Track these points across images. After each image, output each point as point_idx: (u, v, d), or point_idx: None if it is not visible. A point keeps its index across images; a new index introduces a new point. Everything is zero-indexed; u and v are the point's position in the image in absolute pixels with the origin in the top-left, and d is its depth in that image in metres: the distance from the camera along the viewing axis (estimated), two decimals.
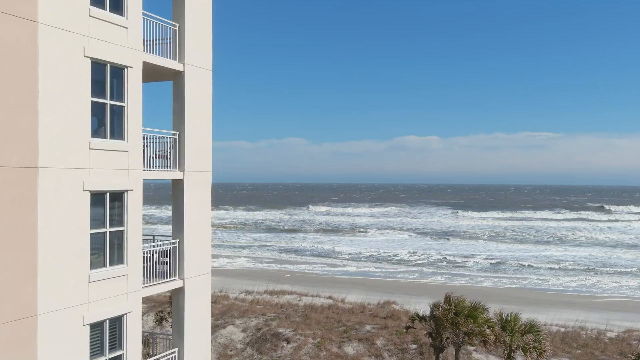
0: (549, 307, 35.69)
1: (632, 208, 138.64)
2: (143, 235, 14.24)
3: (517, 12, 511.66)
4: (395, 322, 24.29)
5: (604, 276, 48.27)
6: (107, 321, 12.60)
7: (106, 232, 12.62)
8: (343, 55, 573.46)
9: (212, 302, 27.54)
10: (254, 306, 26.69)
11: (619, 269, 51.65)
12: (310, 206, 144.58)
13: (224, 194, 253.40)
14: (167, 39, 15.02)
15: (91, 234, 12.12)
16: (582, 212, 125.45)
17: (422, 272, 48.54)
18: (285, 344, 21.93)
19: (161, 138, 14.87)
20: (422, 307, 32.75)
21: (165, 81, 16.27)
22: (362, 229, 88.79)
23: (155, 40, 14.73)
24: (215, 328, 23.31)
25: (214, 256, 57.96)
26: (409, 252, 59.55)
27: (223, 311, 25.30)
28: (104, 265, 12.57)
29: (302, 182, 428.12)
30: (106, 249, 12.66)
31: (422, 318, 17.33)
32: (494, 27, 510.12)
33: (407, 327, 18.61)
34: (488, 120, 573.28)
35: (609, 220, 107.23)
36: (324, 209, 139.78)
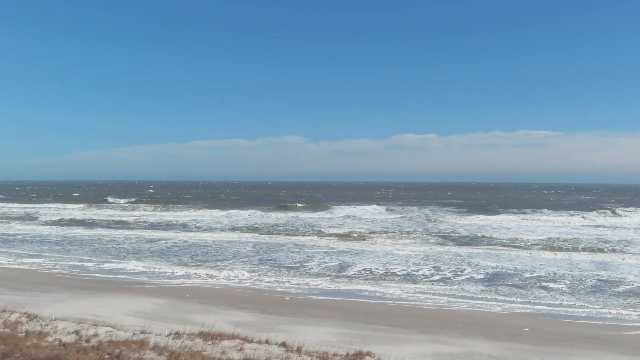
0: (571, 347, 27.84)
1: None
2: None
3: (514, 11, 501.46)
4: None
5: (630, 297, 40.14)
6: None
7: None
8: (341, 56, 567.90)
9: None
10: None
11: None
12: (309, 207, 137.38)
13: (230, 193, 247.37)
14: None
15: None
16: (595, 214, 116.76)
17: (421, 292, 41.11)
18: None
19: None
20: (410, 349, 25.30)
21: None
22: (364, 234, 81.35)
23: None
24: None
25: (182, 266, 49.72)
26: (432, 267, 51.80)
27: None
28: None
29: (301, 181, 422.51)
30: None
31: None
32: (491, 27, 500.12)
33: None
34: (486, 118, 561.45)
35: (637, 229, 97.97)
36: (323, 210, 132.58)
